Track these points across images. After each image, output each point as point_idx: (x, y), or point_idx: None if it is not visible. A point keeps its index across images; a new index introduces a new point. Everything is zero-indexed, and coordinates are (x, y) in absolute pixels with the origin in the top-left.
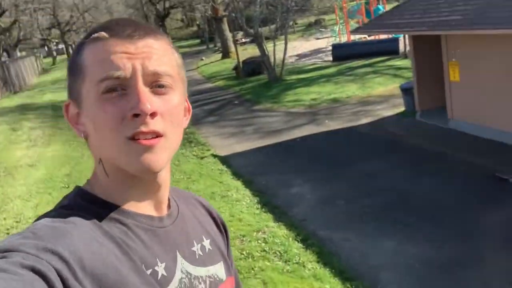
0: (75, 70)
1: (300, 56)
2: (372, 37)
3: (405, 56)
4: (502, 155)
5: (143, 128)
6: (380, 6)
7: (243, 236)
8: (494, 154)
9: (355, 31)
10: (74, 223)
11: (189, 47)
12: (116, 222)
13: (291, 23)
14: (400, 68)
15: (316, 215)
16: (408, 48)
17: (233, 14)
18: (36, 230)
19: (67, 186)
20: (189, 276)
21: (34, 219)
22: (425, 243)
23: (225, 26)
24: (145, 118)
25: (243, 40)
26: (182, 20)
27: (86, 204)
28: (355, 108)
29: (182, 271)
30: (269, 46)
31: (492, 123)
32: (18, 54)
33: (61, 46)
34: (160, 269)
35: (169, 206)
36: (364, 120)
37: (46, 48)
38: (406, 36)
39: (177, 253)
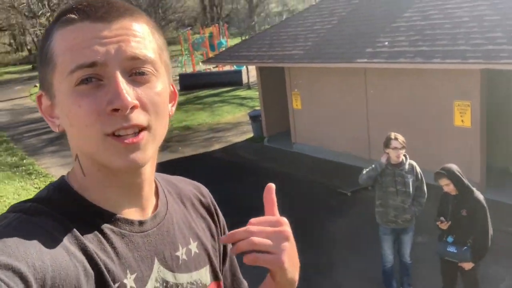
0: (44, 59)
1: None
2: (216, 68)
3: (248, 87)
4: (340, 173)
5: (124, 124)
6: (223, 40)
7: None
8: (333, 173)
9: (207, 61)
10: (45, 229)
11: (19, 74)
12: (91, 226)
13: None
14: (245, 98)
15: None
16: (251, 79)
17: None
18: (4, 236)
19: None
20: (165, 285)
21: (9, 208)
22: None
23: None
24: (125, 112)
25: None
26: (10, 44)
27: (64, 201)
28: (207, 135)
29: (157, 280)
30: None
31: (329, 145)
32: None
33: None
34: (129, 281)
35: (156, 205)
36: (217, 146)
37: None
38: (249, 67)
39: (155, 260)
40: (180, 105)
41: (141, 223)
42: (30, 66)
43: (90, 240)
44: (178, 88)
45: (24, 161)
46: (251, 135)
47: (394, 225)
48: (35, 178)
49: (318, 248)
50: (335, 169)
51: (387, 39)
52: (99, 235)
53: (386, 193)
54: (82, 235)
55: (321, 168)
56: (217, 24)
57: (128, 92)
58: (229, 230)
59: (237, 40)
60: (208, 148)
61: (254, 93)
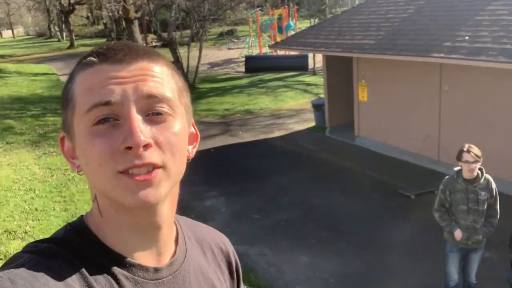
0: (66, 101)
1: (212, 65)
2: (283, 52)
3: (313, 72)
4: (404, 173)
5: (137, 162)
6: (291, 23)
7: None
8: (396, 172)
9: (273, 46)
10: (59, 273)
11: (93, 46)
12: (105, 271)
13: (206, 31)
14: (309, 84)
15: (231, 229)
16: (316, 65)
17: (147, 18)
18: (16, 278)
19: None
20: None
21: (24, 247)
22: (338, 257)
23: (136, 28)
24: (138, 151)
25: (154, 43)
26: (87, 17)
27: (80, 242)
28: (268, 120)
29: None
30: (181, 52)
31: (394, 142)
32: None
33: None
34: None
35: (175, 252)
36: (277, 133)
37: None
38: (316, 54)
39: None
40: (244, 87)
41: (156, 270)
42: (104, 40)
43: (103, 286)
44: (243, 70)
45: None
46: (312, 124)
47: (463, 246)
48: None
49: (372, 252)
50: (399, 168)
51: (468, 33)
52: (112, 281)
53: (456, 212)
54: (95, 280)
55: (383, 166)
56: (287, 6)
57: (142, 130)
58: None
59: (306, 23)
60: (268, 134)
61: (320, 80)
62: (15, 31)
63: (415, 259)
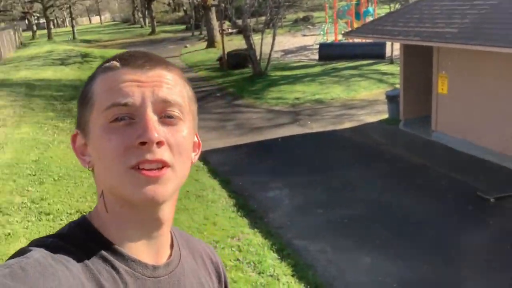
0: (84, 100)
1: (286, 52)
2: (359, 40)
3: (390, 61)
4: (484, 174)
5: (149, 157)
6: (370, 8)
7: (217, 242)
8: (476, 172)
9: (347, 34)
10: (65, 264)
11: (173, 33)
12: (107, 265)
13: (280, 17)
14: (385, 73)
15: (293, 223)
16: (394, 53)
17: (223, 4)
18: (27, 266)
19: (34, 173)
20: None
21: (30, 242)
22: (403, 261)
23: (213, 15)
24: (151, 147)
25: (229, 30)
26: (168, 4)
27: (84, 237)
28: (338, 111)
29: None
30: (255, 39)
31: (476, 139)
32: None
33: (42, 20)
34: None
35: (170, 255)
36: (347, 124)
37: (26, 21)
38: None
39: None
40: (316, 76)
41: (154, 268)
42: (184, 27)
43: (106, 279)
44: (317, 57)
45: None
46: (386, 116)
47: None
48: None
49: (442, 259)
50: (479, 168)
51: None
52: (115, 274)
53: None
54: (99, 272)
55: (462, 164)
56: None
57: (156, 128)
58: None
59: (386, 9)
60: (337, 125)
61: (396, 69)
62: (102, 17)
63: (490, 269)
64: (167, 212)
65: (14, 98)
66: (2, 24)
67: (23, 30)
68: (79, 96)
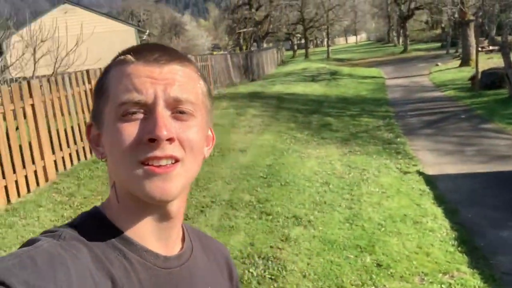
0: (99, 91)
1: None
2: None
3: None
4: None
5: (158, 153)
6: None
7: (426, 274)
8: None
9: None
10: (74, 254)
11: (426, 51)
12: (119, 254)
13: None
14: None
15: None
16: None
17: (480, 20)
18: (36, 255)
19: (265, 176)
20: None
21: (41, 233)
22: None
23: (471, 32)
24: (161, 143)
25: (490, 48)
26: (426, 22)
27: (95, 226)
28: None
29: None
30: None
31: None
32: (265, 45)
33: (303, 41)
34: None
35: (182, 247)
36: None
37: (289, 42)
38: None
39: None
40: None
41: (166, 258)
42: (439, 45)
43: (117, 268)
44: None
45: (398, 139)
46: None
47: None
48: (400, 159)
49: None
50: None
51: None
52: (126, 264)
53: None
54: (110, 262)
55: None
56: None
57: (167, 125)
58: None
59: None
60: None
61: None
62: (358, 37)
63: None
64: (176, 206)
65: (265, 109)
66: (270, 44)
67: (286, 50)
68: (95, 87)
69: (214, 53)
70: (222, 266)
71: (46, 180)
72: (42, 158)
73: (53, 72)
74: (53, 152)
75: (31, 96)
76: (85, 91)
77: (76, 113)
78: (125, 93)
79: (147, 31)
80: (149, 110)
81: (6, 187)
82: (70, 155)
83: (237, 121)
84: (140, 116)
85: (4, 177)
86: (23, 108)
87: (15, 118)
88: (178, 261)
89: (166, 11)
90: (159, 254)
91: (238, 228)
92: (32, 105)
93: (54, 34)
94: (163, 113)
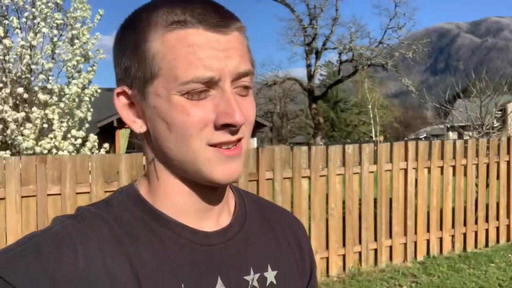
0: (142, 55)
1: None
2: None
3: None
4: None
5: (231, 137)
6: None
7: None
8: None
9: None
10: (88, 234)
11: None
12: (150, 233)
13: None
14: None
15: None
16: None
17: None
18: (41, 242)
19: None
20: None
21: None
22: None
23: None
24: (236, 129)
25: None
26: None
27: (127, 203)
28: None
29: None
30: None
31: None
32: None
33: None
34: None
35: (230, 223)
36: None
37: None
38: None
39: (219, 279)
40: None
41: (206, 235)
42: None
43: (144, 246)
44: None
45: None
46: None
47: None
48: None
49: None
50: None
51: None
52: (155, 241)
53: None
54: (135, 240)
55: None
56: None
57: (239, 109)
58: None
59: None
60: None
61: None
62: None
63: None
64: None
65: None
66: None
67: None
68: (129, 47)
69: None
70: (290, 238)
71: (508, 239)
72: (508, 216)
73: None
74: None
75: (508, 152)
76: None
77: None
78: (190, 69)
79: None
80: (215, 87)
81: (465, 236)
82: None
83: None
84: (208, 94)
85: (475, 223)
86: (498, 163)
87: (488, 172)
88: (223, 237)
89: None
90: (198, 230)
91: None
92: (508, 162)
93: None
94: (233, 93)
